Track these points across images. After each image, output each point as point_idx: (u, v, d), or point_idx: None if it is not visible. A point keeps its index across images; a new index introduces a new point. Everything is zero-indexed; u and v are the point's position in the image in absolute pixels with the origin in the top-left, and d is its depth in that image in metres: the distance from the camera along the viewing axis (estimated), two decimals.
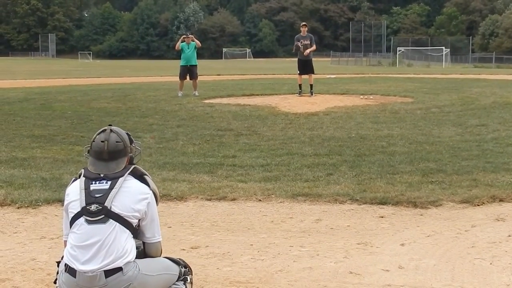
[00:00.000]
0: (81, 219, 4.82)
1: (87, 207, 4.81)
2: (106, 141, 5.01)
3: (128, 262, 4.77)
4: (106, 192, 4.85)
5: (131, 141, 5.19)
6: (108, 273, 4.68)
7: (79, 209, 4.85)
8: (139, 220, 4.94)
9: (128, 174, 5.00)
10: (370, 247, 7.10)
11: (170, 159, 12.37)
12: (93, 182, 4.92)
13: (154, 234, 5.08)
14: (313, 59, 26.30)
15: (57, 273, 5.02)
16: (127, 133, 5.20)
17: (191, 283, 5.35)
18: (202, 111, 20.48)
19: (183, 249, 7.04)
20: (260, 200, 9.29)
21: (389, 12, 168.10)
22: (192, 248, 7.14)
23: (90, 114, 19.79)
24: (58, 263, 5.05)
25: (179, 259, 5.37)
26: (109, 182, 4.90)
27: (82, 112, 20.40)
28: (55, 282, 5.08)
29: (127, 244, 4.82)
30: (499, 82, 37.46)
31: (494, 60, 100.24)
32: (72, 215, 4.89)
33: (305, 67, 25.64)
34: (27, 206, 9.03)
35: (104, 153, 4.98)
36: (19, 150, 13.43)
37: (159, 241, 5.14)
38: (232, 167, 11.55)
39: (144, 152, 13.01)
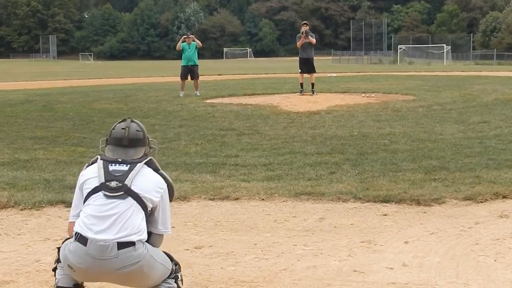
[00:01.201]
0: (100, 193, 4.82)
1: (107, 183, 4.82)
2: (127, 128, 5.09)
3: (141, 240, 4.77)
4: (126, 173, 4.87)
5: (148, 138, 5.26)
6: (121, 245, 4.66)
7: (97, 184, 4.85)
8: (151, 209, 4.95)
9: (146, 164, 5.03)
10: (373, 245, 7.10)
11: (173, 159, 12.37)
12: (112, 164, 4.94)
13: (166, 226, 5.08)
14: (314, 58, 26.20)
15: (56, 260, 5.03)
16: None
17: (182, 280, 5.32)
18: (204, 111, 20.48)
19: (187, 249, 7.04)
20: (263, 199, 9.29)
21: (389, 10, 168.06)
22: (195, 248, 7.14)
23: (92, 115, 19.79)
24: (59, 248, 5.02)
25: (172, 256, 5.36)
26: (128, 165, 4.93)
27: (84, 113, 20.41)
28: (54, 270, 5.08)
29: (142, 223, 4.82)
30: (501, 79, 37.48)
31: (495, 57, 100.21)
32: (89, 190, 4.88)
33: (307, 65, 25.57)
34: (31, 208, 9.03)
35: (125, 139, 5.05)
36: (22, 152, 13.43)
37: (168, 233, 5.14)
38: (235, 167, 11.56)
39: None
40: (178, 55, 30.65)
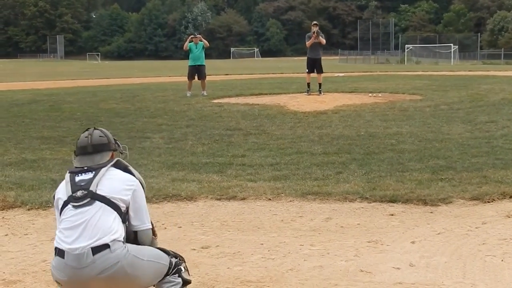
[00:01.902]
0: (68, 206, 4.83)
1: (73, 194, 4.84)
2: (89, 135, 5.13)
3: (116, 240, 4.73)
4: (91, 180, 4.89)
5: (117, 144, 5.29)
6: (95, 250, 4.64)
7: (65, 199, 4.88)
8: (127, 207, 4.94)
9: (112, 166, 5.05)
10: (380, 245, 7.09)
11: (180, 159, 12.38)
12: (78, 174, 4.97)
13: (143, 221, 5.03)
14: (322, 58, 26.14)
15: None
16: (114, 138, 5.29)
17: (187, 270, 5.31)
18: (210, 111, 20.49)
19: (194, 249, 7.04)
20: (269, 199, 9.30)
21: (397, 10, 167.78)
22: (202, 248, 7.14)
23: (99, 115, 19.83)
24: None
25: (170, 250, 5.31)
26: (93, 172, 4.95)
27: (91, 113, 20.45)
28: None
29: (114, 223, 4.79)
30: (508, 78, 37.35)
31: (502, 57, 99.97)
32: (60, 206, 4.90)
33: (314, 65, 25.52)
34: (38, 208, 9.05)
35: (89, 146, 5.08)
36: (29, 152, 13.46)
37: (149, 228, 5.09)
38: (242, 167, 11.56)
39: (154, 153, 13.09)
40: (185, 55, 30.66)
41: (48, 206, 9.03)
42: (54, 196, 5.09)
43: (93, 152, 5.07)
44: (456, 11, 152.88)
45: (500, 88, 28.20)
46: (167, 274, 5.06)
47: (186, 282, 5.24)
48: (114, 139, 5.28)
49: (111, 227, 4.76)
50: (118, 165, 5.11)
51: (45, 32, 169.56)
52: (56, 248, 4.78)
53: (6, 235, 7.96)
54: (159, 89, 31.51)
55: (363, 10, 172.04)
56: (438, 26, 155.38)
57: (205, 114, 19.81)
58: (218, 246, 7.21)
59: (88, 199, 4.80)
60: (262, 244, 7.25)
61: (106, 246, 4.68)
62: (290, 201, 9.22)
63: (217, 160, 12.21)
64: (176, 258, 5.19)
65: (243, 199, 9.34)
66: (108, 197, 4.84)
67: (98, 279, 4.67)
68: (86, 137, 5.12)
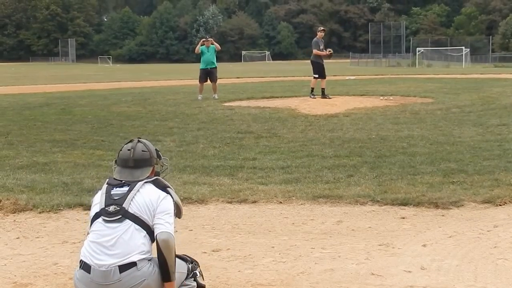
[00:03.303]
0: (99, 219, 4.88)
1: (106, 208, 4.88)
2: (132, 149, 5.12)
3: (143, 259, 4.78)
4: (125, 195, 4.91)
5: (159, 157, 5.28)
6: (122, 268, 4.70)
7: (98, 210, 4.92)
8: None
9: (150, 182, 5.03)
10: (391, 248, 7.08)
11: (191, 162, 12.39)
12: (114, 187, 4.99)
13: (166, 225, 4.87)
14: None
15: None
16: (156, 149, 5.28)
17: (201, 275, 5.38)
18: (222, 114, 20.49)
19: (205, 252, 7.05)
20: (281, 202, 9.29)
21: (408, 13, 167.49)
22: (213, 251, 7.15)
23: (110, 118, 19.86)
24: None
25: (184, 255, 5.35)
26: (128, 186, 4.96)
27: (103, 117, 20.48)
28: None
29: (143, 243, 4.83)
30: None
31: None
32: (92, 217, 4.96)
33: (323, 70, 25.03)
34: (49, 211, 9.07)
35: (130, 160, 5.08)
36: (40, 155, 13.49)
37: (171, 233, 4.88)
38: (253, 170, 11.56)
39: (165, 156, 13.05)
40: (197, 58, 30.72)
41: (60, 209, 9.06)
42: (92, 201, 5.14)
43: (134, 167, 5.08)
44: (468, 14, 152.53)
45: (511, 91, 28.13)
46: (184, 279, 5.12)
47: (200, 286, 5.30)
48: (156, 150, 5.29)
49: (139, 246, 4.80)
50: (157, 184, 5.07)
51: (57, 35, 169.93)
52: (81, 261, 4.82)
53: (18, 238, 7.97)
54: (170, 92, 31.55)
55: (375, 12, 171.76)
56: (449, 29, 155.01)
57: (216, 117, 19.82)
58: (229, 249, 7.22)
59: (120, 216, 4.84)
60: (273, 247, 7.25)
61: (133, 264, 4.74)
62: (301, 204, 9.22)
63: (228, 163, 12.21)
64: (192, 263, 5.25)
65: (254, 202, 9.34)
66: (138, 215, 4.86)
67: None
68: (128, 149, 5.12)
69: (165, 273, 4.85)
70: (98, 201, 4.99)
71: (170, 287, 4.93)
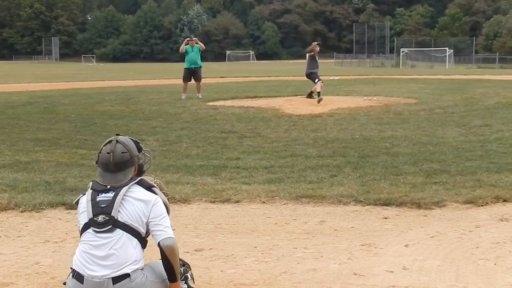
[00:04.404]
0: (89, 229, 4.84)
1: (95, 218, 4.83)
2: (111, 153, 5.02)
3: (136, 270, 4.77)
4: (111, 202, 4.86)
5: (139, 149, 5.19)
6: (116, 279, 4.68)
7: (86, 220, 4.87)
8: (147, 225, 4.91)
9: (135, 184, 5.00)
10: (374, 248, 7.10)
11: (174, 162, 12.37)
12: (99, 193, 4.94)
13: (166, 231, 4.89)
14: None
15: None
16: (135, 141, 5.20)
17: (192, 278, 5.37)
18: (205, 114, 20.48)
19: (187, 252, 7.03)
20: (264, 202, 9.30)
21: (393, 14, 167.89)
22: (196, 250, 7.14)
23: (94, 117, 19.80)
24: None
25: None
26: (113, 192, 4.92)
27: (86, 116, 20.42)
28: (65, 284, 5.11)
29: (135, 252, 4.82)
30: (503, 82, 37.47)
31: (497, 61, 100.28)
32: (82, 226, 4.91)
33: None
34: (31, 210, 9.03)
35: (111, 164, 5.01)
36: (23, 154, 13.44)
37: (173, 237, 4.90)
38: (236, 169, 11.56)
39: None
40: (181, 58, 30.70)
41: (42, 209, 9.03)
42: (76, 203, 5.09)
43: (116, 171, 5.01)
44: (451, 15, 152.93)
45: (494, 92, 28.30)
46: None
47: None
48: (136, 142, 5.20)
49: (132, 256, 4.79)
50: (141, 184, 5.06)
51: (40, 34, 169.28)
52: (74, 271, 4.78)
53: None
54: (154, 91, 31.51)
55: (360, 13, 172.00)
56: (433, 30, 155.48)
57: (200, 116, 19.81)
58: (211, 249, 7.21)
59: (110, 226, 4.81)
60: (256, 247, 7.25)
61: (126, 275, 4.72)
62: (284, 204, 9.22)
63: (211, 163, 12.21)
64: (184, 266, 5.24)
65: (237, 202, 9.34)
66: (129, 224, 4.84)
67: None
68: (108, 153, 5.01)
69: (172, 275, 4.90)
70: (85, 209, 4.93)
71: (175, 287, 4.98)
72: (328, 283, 6.06)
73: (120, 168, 5.02)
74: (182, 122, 18.47)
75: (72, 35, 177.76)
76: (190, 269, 5.40)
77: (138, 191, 4.97)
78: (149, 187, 5.07)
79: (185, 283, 5.22)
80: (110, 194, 4.90)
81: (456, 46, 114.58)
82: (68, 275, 4.97)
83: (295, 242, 7.39)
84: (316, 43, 25.92)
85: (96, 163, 5.11)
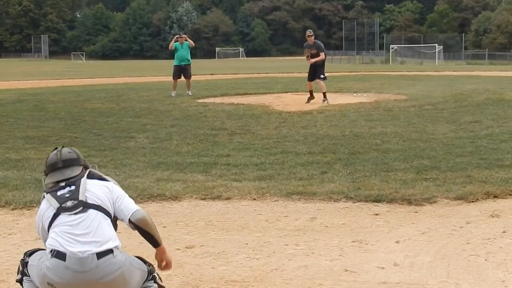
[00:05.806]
0: (61, 216, 4.82)
1: (63, 206, 4.85)
2: (58, 152, 5.19)
3: (117, 247, 4.78)
4: (75, 191, 4.93)
5: (86, 166, 5.30)
6: (100, 255, 4.67)
7: (54, 211, 4.86)
8: (113, 207, 5.01)
9: (86, 178, 5.09)
10: (365, 244, 7.10)
11: (164, 159, 12.36)
12: (58, 191, 4.97)
13: (131, 206, 5.07)
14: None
15: (21, 272, 5.08)
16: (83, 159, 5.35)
17: (160, 277, 5.35)
18: (195, 111, 20.47)
19: (178, 249, 7.03)
20: (254, 199, 9.29)
21: (382, 10, 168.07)
22: (187, 247, 7.13)
23: (84, 115, 19.76)
24: (22, 260, 5.11)
25: (141, 257, 5.29)
26: (73, 185, 4.98)
27: (76, 113, 20.37)
28: (19, 282, 5.14)
29: (111, 230, 4.86)
30: (492, 78, 37.62)
31: (487, 57, 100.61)
32: (49, 219, 4.87)
33: (312, 74, 24.33)
34: (22, 208, 9.01)
35: (59, 161, 5.12)
36: (13, 152, 13.40)
37: (140, 209, 5.09)
38: (226, 166, 11.55)
39: (138, 153, 13.06)
40: (171, 55, 30.67)
41: (33, 206, 8.99)
42: (37, 220, 5.07)
43: (63, 167, 5.10)
44: (440, 12, 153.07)
45: (484, 88, 28.35)
46: (145, 280, 5.13)
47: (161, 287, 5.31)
48: (84, 160, 5.32)
49: (110, 234, 4.82)
50: (92, 176, 5.16)
51: (30, 31, 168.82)
52: (53, 250, 4.71)
53: None
54: (144, 88, 31.48)
55: (349, 10, 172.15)
56: (422, 27, 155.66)
57: (190, 113, 19.79)
58: (202, 246, 7.20)
59: (81, 208, 4.83)
60: (247, 243, 7.24)
61: (109, 251, 4.72)
62: (275, 200, 9.22)
63: (202, 160, 12.19)
64: (150, 266, 5.23)
65: (228, 199, 9.33)
66: (100, 204, 4.90)
67: (99, 283, 4.70)
68: (55, 154, 5.17)
69: (153, 241, 5.08)
70: (46, 207, 4.93)
71: (161, 251, 5.17)
72: (319, 280, 6.06)
73: (67, 165, 5.12)
74: (172, 119, 18.45)
75: (61, 33, 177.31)
76: (155, 269, 5.35)
77: (95, 182, 5.09)
78: (99, 177, 5.21)
79: (154, 282, 5.21)
80: (71, 188, 4.97)
81: (445, 42, 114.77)
82: (24, 267, 5.01)
83: (286, 239, 7.38)
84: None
85: (45, 173, 5.20)
